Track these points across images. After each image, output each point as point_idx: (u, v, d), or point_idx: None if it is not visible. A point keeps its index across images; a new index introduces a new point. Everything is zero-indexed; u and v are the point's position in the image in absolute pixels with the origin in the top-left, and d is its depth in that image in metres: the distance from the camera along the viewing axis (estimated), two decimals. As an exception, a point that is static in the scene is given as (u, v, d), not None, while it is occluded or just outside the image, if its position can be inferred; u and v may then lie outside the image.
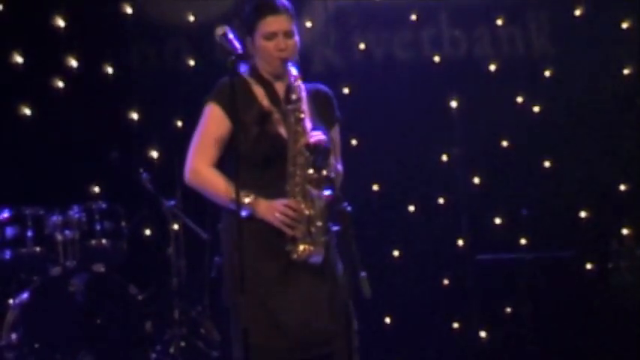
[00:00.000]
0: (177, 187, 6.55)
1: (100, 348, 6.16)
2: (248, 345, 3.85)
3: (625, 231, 7.55)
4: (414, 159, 7.48)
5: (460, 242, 7.51)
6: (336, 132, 4.30)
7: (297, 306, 4.00)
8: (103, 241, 6.51)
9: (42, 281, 6.27)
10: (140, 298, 6.40)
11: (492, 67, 7.71)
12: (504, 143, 7.65)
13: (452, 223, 7.52)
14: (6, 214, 6.39)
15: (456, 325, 7.49)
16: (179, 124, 7.30)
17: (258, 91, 4.18)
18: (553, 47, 7.79)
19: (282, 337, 3.98)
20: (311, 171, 3.99)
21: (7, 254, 6.35)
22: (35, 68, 7.23)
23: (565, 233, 7.52)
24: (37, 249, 6.40)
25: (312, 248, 3.98)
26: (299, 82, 4.07)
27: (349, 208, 3.83)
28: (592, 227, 7.57)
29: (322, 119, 4.19)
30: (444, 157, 7.63)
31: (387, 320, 7.45)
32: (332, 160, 4.11)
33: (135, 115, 7.38)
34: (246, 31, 4.17)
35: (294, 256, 3.99)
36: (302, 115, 4.05)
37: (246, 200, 3.97)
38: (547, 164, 7.67)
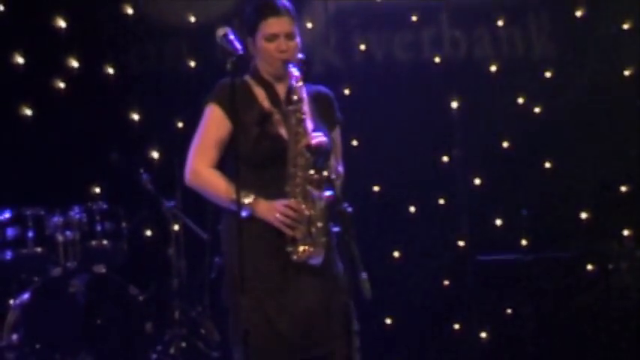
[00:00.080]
0: (177, 188, 6.55)
1: (101, 348, 6.16)
2: (248, 346, 3.85)
3: (625, 232, 7.55)
4: (414, 160, 7.48)
5: (461, 243, 7.51)
6: (337, 134, 4.30)
7: (297, 307, 4.00)
8: (104, 241, 6.51)
9: (43, 282, 6.28)
10: (140, 298, 6.40)
11: (493, 68, 7.71)
12: (505, 144, 7.65)
13: (452, 223, 7.53)
14: (7, 215, 6.39)
15: (456, 325, 7.49)
16: (180, 124, 7.30)
17: (259, 93, 4.18)
18: (554, 48, 7.79)
19: (282, 338, 3.99)
20: (311, 172, 3.99)
21: (8, 255, 6.36)
22: (36, 69, 7.23)
23: (565, 234, 7.52)
24: (38, 249, 6.40)
25: (312, 249, 3.99)
26: (300, 84, 4.08)
27: (350, 209, 3.83)
28: (592, 228, 7.57)
29: (323, 121, 4.19)
30: (445, 158, 7.63)
31: (388, 321, 7.45)
32: (333, 161, 4.11)
33: (135, 116, 7.38)
34: (247, 32, 4.18)
35: (294, 257, 3.99)
36: (303, 116, 4.05)
37: (246, 201, 3.98)
38: (547, 165, 7.67)
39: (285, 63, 4.11)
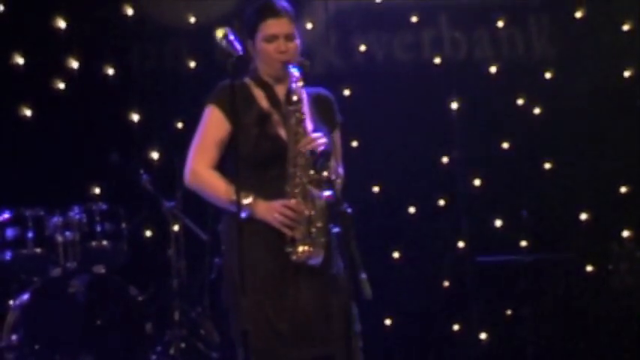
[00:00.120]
0: (177, 188, 6.55)
1: (100, 349, 6.16)
2: (248, 346, 3.85)
3: (625, 233, 7.55)
4: (414, 160, 7.48)
5: (460, 244, 7.51)
6: (337, 136, 4.30)
7: (297, 307, 4.00)
8: (104, 242, 6.51)
9: (42, 282, 6.27)
10: (140, 299, 6.40)
11: (493, 69, 7.71)
12: (505, 145, 7.65)
13: (452, 224, 7.52)
14: (6, 215, 6.39)
15: (456, 326, 7.49)
16: (179, 125, 7.31)
17: (259, 94, 4.19)
18: (554, 49, 7.79)
19: (282, 339, 3.98)
20: (311, 172, 3.99)
21: (8, 255, 6.36)
22: (36, 69, 7.23)
23: (565, 235, 7.52)
24: (38, 250, 6.40)
25: (311, 249, 3.98)
26: (300, 84, 4.08)
27: (349, 210, 3.83)
28: (592, 229, 7.57)
29: (323, 122, 4.19)
30: (445, 159, 7.63)
31: (388, 322, 7.45)
32: (333, 162, 4.11)
33: (135, 117, 7.38)
34: (247, 33, 4.18)
35: (294, 257, 3.99)
36: (302, 117, 4.05)
37: (246, 201, 3.97)
38: (547, 166, 7.67)
39: (285, 64, 4.11)
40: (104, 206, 6.58)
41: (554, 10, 7.81)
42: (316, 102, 4.24)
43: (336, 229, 3.98)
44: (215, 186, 4.11)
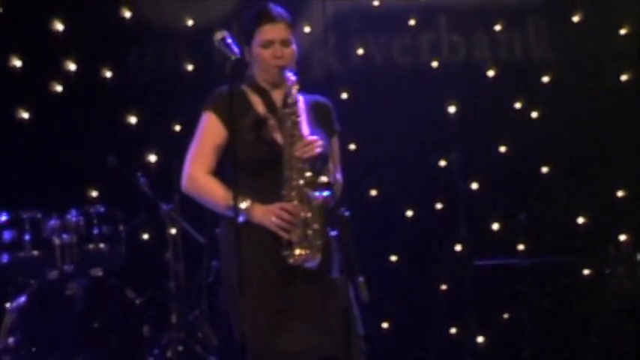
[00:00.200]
0: (175, 191, 6.55)
1: (98, 352, 6.15)
2: (246, 350, 3.86)
3: (622, 237, 7.55)
4: (412, 164, 7.48)
5: (458, 247, 7.51)
6: (335, 143, 4.31)
7: (295, 311, 4.01)
8: (101, 245, 6.51)
9: (39, 285, 6.27)
10: (138, 302, 6.39)
11: (491, 73, 7.72)
12: (502, 149, 7.66)
13: (449, 228, 7.52)
14: (3, 218, 6.39)
15: (453, 330, 7.49)
16: (177, 128, 7.30)
17: (255, 100, 4.20)
18: (552, 53, 7.80)
19: (280, 343, 3.98)
20: (308, 174, 4.00)
21: (5, 258, 6.36)
22: (33, 72, 7.22)
23: (563, 239, 7.52)
24: (35, 253, 6.40)
25: (308, 252, 3.99)
26: (296, 88, 4.09)
27: (347, 213, 3.84)
28: (590, 233, 7.57)
29: (321, 128, 4.20)
30: (442, 162, 7.62)
31: (385, 325, 7.45)
32: (330, 166, 4.12)
33: (133, 119, 7.38)
34: (244, 39, 4.20)
35: (291, 260, 3.99)
36: (298, 119, 4.06)
37: (243, 206, 3.98)
38: (545, 170, 7.67)
39: (281, 69, 4.12)
40: (102, 209, 6.58)
41: (553, 13, 7.82)
42: (314, 109, 4.26)
43: (333, 233, 3.98)
44: (212, 191, 4.12)
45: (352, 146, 7.27)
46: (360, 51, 7.69)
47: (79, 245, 6.43)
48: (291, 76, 4.09)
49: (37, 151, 7.04)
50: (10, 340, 6.06)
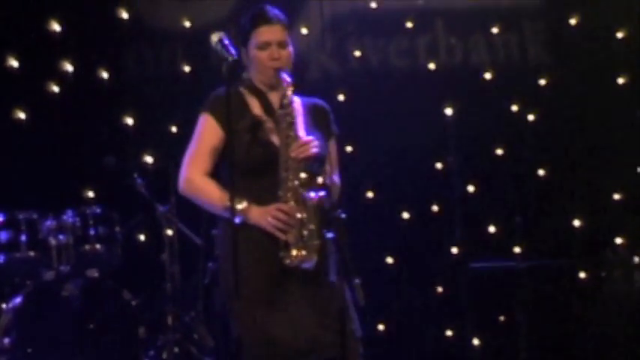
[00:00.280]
0: (171, 193, 6.54)
1: (94, 353, 6.15)
2: (242, 352, 3.85)
3: (619, 240, 7.56)
4: (408, 166, 7.48)
5: (454, 250, 7.51)
6: (332, 146, 4.32)
7: (291, 313, 4.01)
8: (97, 246, 6.50)
9: (35, 286, 6.26)
10: (134, 303, 6.39)
11: (488, 75, 7.72)
12: (499, 151, 7.66)
13: (446, 230, 7.52)
14: (0, 219, 6.38)
15: (449, 332, 7.48)
16: (174, 129, 7.30)
17: (252, 102, 4.21)
18: (548, 56, 7.81)
19: (276, 344, 3.98)
20: (303, 174, 4.00)
21: (1, 258, 6.35)
22: (30, 72, 7.22)
23: (559, 242, 7.53)
24: (31, 253, 6.39)
25: (304, 253, 3.99)
26: (291, 89, 4.09)
27: (344, 215, 3.84)
28: (586, 236, 7.57)
29: (318, 130, 4.21)
30: (439, 165, 7.62)
31: (381, 327, 7.44)
32: (327, 168, 4.12)
33: (130, 120, 7.38)
34: (241, 41, 4.20)
35: (287, 261, 3.99)
36: (293, 120, 4.07)
37: (239, 207, 3.99)
38: (541, 172, 7.67)
39: (278, 71, 4.13)
40: (98, 210, 6.58)
41: (550, 16, 7.83)
42: (312, 111, 4.27)
43: (330, 235, 3.98)
44: (209, 192, 4.12)
45: (349, 148, 7.26)
46: (358, 53, 7.69)
47: (75, 246, 6.43)
48: (286, 78, 4.10)
49: (34, 151, 7.04)
50: (6, 340, 6.06)
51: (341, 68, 7.71)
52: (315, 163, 4.02)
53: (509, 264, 7.15)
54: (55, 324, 6.14)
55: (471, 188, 7.60)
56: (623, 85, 7.75)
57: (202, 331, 6.68)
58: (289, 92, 4.09)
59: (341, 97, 7.39)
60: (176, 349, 6.52)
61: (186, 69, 7.49)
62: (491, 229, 7.58)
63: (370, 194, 7.54)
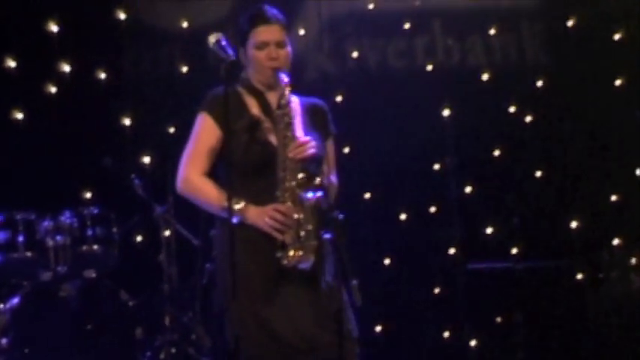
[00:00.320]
0: (169, 193, 6.55)
1: (91, 353, 6.14)
2: (240, 352, 3.85)
3: (616, 241, 7.57)
4: (406, 167, 7.49)
5: (452, 251, 7.51)
6: (330, 146, 4.32)
7: (289, 313, 4.01)
8: (95, 246, 6.50)
9: (33, 286, 6.26)
10: (131, 304, 6.39)
11: (485, 77, 7.73)
12: (496, 152, 7.66)
13: (444, 231, 7.52)
14: (-3, 219, 6.39)
15: (446, 333, 7.48)
16: (172, 130, 7.30)
17: (250, 101, 4.21)
18: (546, 57, 7.82)
19: (274, 345, 3.99)
20: (301, 175, 4.01)
21: (-2, 259, 6.36)
22: (28, 73, 7.21)
23: (556, 243, 7.53)
24: (28, 254, 6.39)
25: (301, 253, 3.99)
26: (288, 89, 4.09)
27: (341, 216, 3.84)
28: (583, 237, 7.58)
29: (316, 130, 4.21)
30: (437, 166, 7.63)
31: (378, 328, 7.44)
32: (325, 168, 4.13)
33: (127, 121, 7.37)
34: (239, 41, 4.21)
35: (284, 261, 4.00)
36: (290, 120, 4.07)
37: (237, 207, 3.99)
38: (539, 174, 7.68)
39: (276, 71, 4.13)
40: (95, 210, 6.58)
41: (547, 18, 7.84)
42: (310, 110, 4.27)
43: (327, 236, 3.98)
44: (207, 192, 4.12)
45: (346, 149, 7.26)
46: (355, 54, 7.70)
47: (73, 247, 6.42)
48: (284, 78, 4.10)
49: (31, 152, 7.03)
50: (3, 341, 6.05)
51: (338, 69, 7.71)
52: (312, 164, 4.03)
53: (506, 265, 7.16)
54: (53, 324, 6.14)
55: (468, 189, 7.61)
56: (621, 86, 7.76)
57: (200, 332, 6.68)
58: (287, 92, 4.09)
59: (339, 98, 7.39)
60: (173, 350, 6.52)
61: (184, 70, 7.49)
62: (489, 230, 7.58)
63: (368, 195, 7.55)
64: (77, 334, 6.15)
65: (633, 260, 7.44)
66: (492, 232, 7.57)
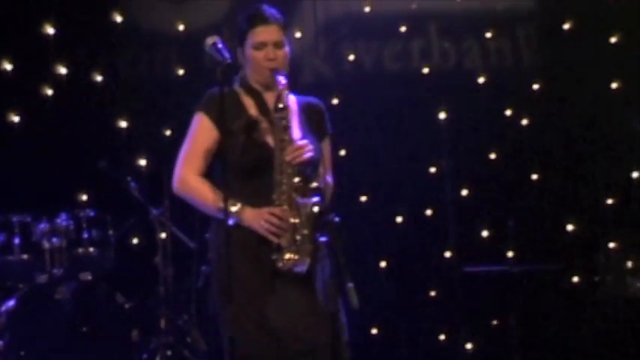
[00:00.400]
0: (165, 196, 6.54)
1: (86, 356, 6.14)
2: (236, 354, 3.85)
3: (611, 244, 7.57)
4: (402, 170, 7.49)
5: (447, 254, 7.51)
6: (326, 146, 4.32)
7: (284, 316, 4.01)
8: (91, 249, 6.51)
9: (29, 289, 6.26)
10: (127, 306, 6.38)
11: (481, 80, 7.73)
12: (492, 155, 7.66)
13: (439, 234, 7.52)
14: (-7, 221, 6.39)
15: (442, 336, 7.48)
16: (168, 132, 7.30)
17: (247, 102, 4.20)
18: (542, 60, 7.82)
19: (270, 347, 3.98)
20: (297, 179, 4.01)
21: (-6, 261, 6.35)
22: (24, 75, 7.21)
23: (552, 246, 7.53)
24: (24, 256, 6.39)
25: (297, 257, 3.99)
26: (286, 91, 4.10)
27: (337, 219, 3.84)
28: (579, 240, 7.58)
29: (313, 131, 4.21)
30: (432, 169, 7.63)
31: (374, 331, 7.44)
32: (321, 170, 4.13)
33: (124, 123, 7.37)
34: (237, 41, 4.21)
35: (280, 264, 4.00)
36: (288, 124, 4.07)
37: (233, 209, 3.99)
38: (535, 177, 7.68)
39: (273, 71, 4.13)
40: (91, 213, 6.58)
41: (543, 21, 7.84)
42: (307, 111, 4.27)
43: (323, 238, 3.98)
44: (203, 193, 4.12)
45: (342, 152, 7.27)
46: (351, 57, 7.69)
47: (69, 249, 6.43)
48: (282, 80, 4.10)
49: (27, 154, 7.03)
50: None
51: (334, 72, 7.71)
52: (309, 168, 4.03)
53: (502, 268, 7.14)
54: (48, 327, 6.14)
55: (464, 192, 7.61)
56: (617, 89, 7.76)
57: (195, 335, 6.68)
58: (285, 94, 4.09)
59: (334, 101, 7.39)
60: (169, 353, 6.51)
61: (180, 72, 7.48)
62: (485, 233, 7.58)
63: (364, 198, 7.54)
64: (73, 337, 6.16)
65: (629, 263, 7.44)
66: (488, 235, 7.57)
